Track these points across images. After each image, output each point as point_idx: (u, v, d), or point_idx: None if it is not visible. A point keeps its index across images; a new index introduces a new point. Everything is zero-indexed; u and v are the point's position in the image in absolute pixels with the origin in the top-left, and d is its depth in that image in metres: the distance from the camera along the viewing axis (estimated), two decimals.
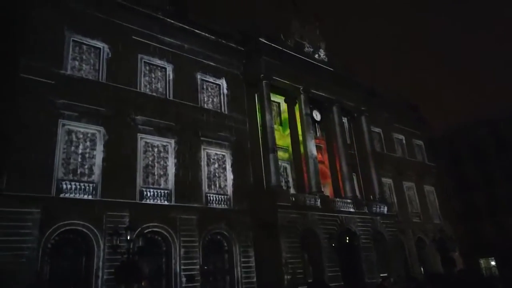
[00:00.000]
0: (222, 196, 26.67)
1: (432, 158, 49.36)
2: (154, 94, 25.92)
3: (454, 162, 57.13)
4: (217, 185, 26.87)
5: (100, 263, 20.26)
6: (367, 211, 32.41)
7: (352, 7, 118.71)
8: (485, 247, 52.12)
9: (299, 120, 31.85)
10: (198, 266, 23.60)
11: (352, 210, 31.13)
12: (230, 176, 27.50)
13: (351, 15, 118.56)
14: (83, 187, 21.08)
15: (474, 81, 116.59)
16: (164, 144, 25.16)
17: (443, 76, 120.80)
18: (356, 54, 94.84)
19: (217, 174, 27.13)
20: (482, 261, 53.55)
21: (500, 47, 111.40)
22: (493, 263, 53.21)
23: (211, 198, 26.05)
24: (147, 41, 26.25)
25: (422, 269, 38.37)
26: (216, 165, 27.29)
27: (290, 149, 31.48)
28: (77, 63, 23.30)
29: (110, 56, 24.35)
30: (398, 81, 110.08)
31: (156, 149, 24.73)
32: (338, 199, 31.14)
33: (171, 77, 26.93)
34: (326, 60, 35.38)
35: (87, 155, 21.93)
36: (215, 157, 27.41)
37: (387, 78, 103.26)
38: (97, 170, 21.87)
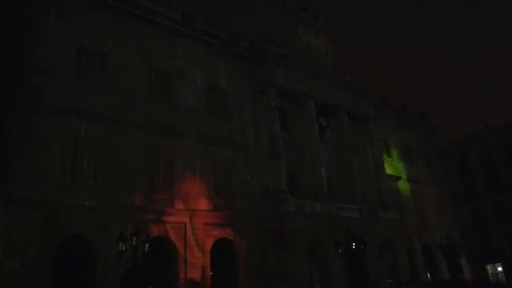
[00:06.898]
0: (229, 202, 26.45)
1: (440, 165, 49.02)
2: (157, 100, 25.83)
3: (463, 169, 56.90)
4: (224, 190, 26.66)
5: (105, 269, 20.08)
6: (373, 217, 32.15)
7: (362, 13, 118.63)
8: (492, 254, 51.82)
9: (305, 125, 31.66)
10: (203, 272, 23.46)
11: (358, 216, 30.90)
12: (236, 181, 27.29)
13: (361, 21, 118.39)
14: (88, 192, 20.97)
15: (484, 89, 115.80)
16: (172, 147, 25.04)
17: (454, 85, 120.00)
18: (365, 61, 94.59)
19: (224, 179, 26.94)
20: (489, 267, 53.21)
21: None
22: (500, 269, 52.83)
23: (218, 203, 25.84)
24: (153, 48, 26.10)
25: (428, 275, 38.06)
26: (223, 170, 27.11)
27: (296, 155, 31.25)
28: (83, 70, 23.15)
29: (115, 63, 24.19)
30: (408, 88, 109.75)
31: (162, 154, 24.61)
32: (344, 206, 30.84)
33: (175, 83, 26.75)
34: (333, 66, 35.12)
35: (92, 161, 21.80)
36: (222, 162, 27.20)
37: (396, 85, 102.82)
38: (102, 175, 21.74)
